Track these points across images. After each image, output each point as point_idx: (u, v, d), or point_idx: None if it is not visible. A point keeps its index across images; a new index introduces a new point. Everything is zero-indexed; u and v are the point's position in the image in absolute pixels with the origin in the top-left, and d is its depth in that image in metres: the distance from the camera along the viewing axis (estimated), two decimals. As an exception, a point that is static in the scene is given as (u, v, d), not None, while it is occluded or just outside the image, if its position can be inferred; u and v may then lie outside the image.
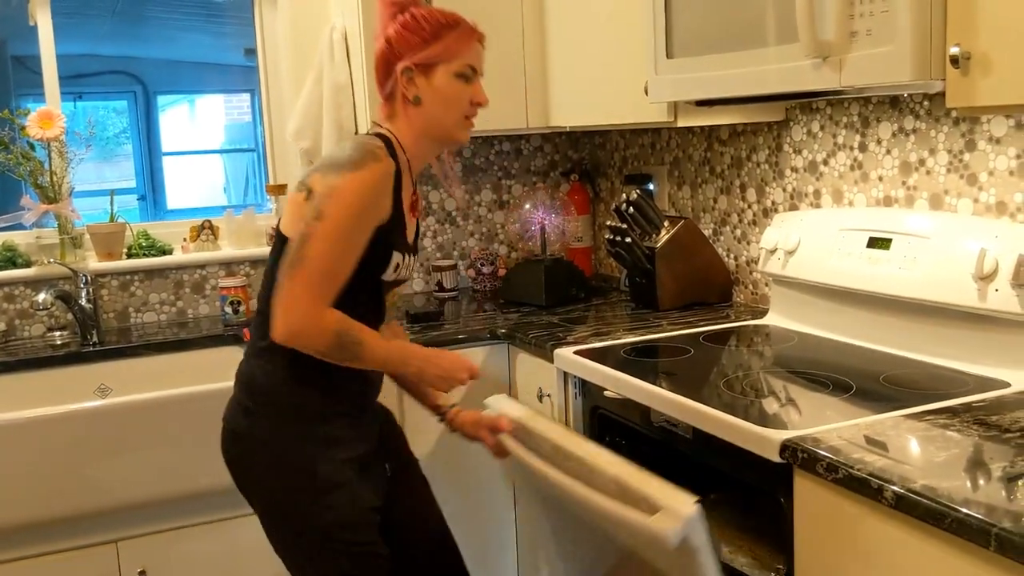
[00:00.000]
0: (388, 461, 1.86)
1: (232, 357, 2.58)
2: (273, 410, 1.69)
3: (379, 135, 1.70)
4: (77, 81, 7.28)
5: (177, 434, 2.19)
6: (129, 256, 2.78)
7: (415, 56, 1.65)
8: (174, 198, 8.39)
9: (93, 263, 2.72)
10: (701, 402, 1.68)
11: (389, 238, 1.65)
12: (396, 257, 1.67)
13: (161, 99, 8.51)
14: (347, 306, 1.61)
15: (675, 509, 1.42)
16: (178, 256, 2.82)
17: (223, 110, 8.81)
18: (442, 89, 1.67)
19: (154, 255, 2.78)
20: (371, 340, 1.62)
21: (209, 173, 8.75)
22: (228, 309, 2.70)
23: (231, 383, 2.24)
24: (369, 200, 1.58)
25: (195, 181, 8.54)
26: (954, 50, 1.45)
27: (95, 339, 2.57)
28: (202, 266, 2.83)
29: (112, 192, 2.83)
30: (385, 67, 1.68)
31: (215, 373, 2.52)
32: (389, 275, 1.68)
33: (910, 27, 1.49)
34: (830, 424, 1.52)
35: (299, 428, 1.68)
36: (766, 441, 1.49)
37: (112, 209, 2.78)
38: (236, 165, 8.93)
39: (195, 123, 8.99)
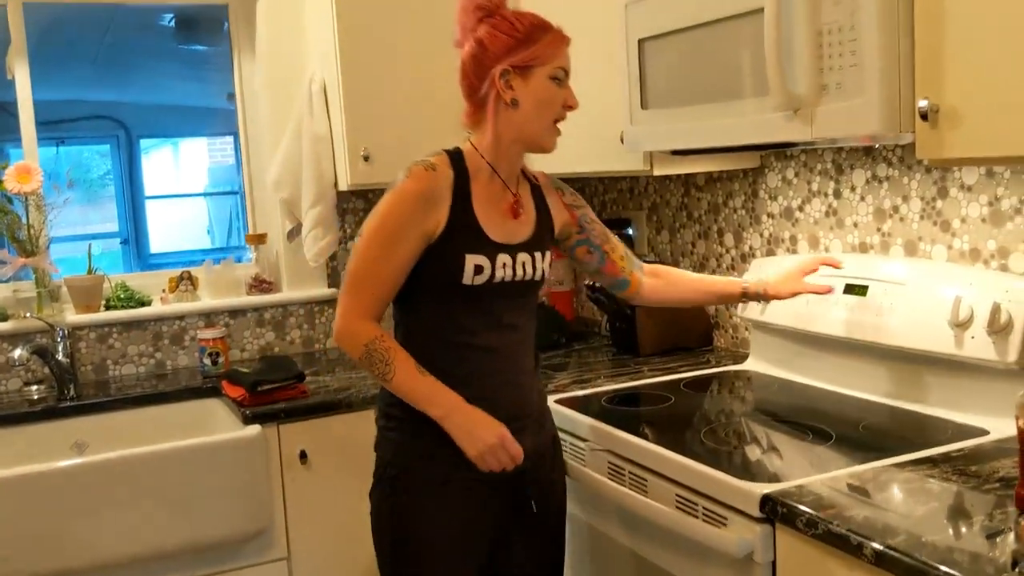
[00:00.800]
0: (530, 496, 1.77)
1: (211, 410, 2.57)
2: (383, 421, 1.74)
3: (450, 149, 1.71)
4: (59, 126, 7.28)
5: (155, 491, 2.16)
6: (107, 308, 2.76)
7: (512, 58, 1.63)
8: (158, 242, 8.36)
9: (71, 316, 2.70)
10: (681, 453, 1.67)
11: (454, 244, 1.64)
12: (474, 259, 1.64)
13: (144, 142, 8.51)
14: (434, 312, 1.67)
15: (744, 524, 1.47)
16: (157, 307, 2.80)
17: (207, 153, 8.82)
18: (538, 92, 1.65)
19: (132, 307, 2.77)
20: (403, 368, 1.62)
21: (193, 215, 8.73)
22: (207, 361, 2.68)
23: (210, 437, 2.24)
24: (403, 214, 1.62)
25: (179, 224, 8.51)
26: (923, 103, 1.46)
27: (72, 393, 2.54)
28: (181, 317, 2.82)
29: (90, 244, 2.82)
30: (478, 70, 1.65)
31: (194, 427, 2.50)
32: (472, 279, 1.64)
33: (878, 80, 1.51)
34: (810, 476, 1.51)
35: (395, 439, 1.70)
36: (746, 495, 1.49)
37: (90, 261, 2.77)
38: (220, 207, 8.92)
39: (179, 166, 8.99)
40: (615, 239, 1.94)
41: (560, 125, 1.72)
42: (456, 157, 1.69)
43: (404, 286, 1.66)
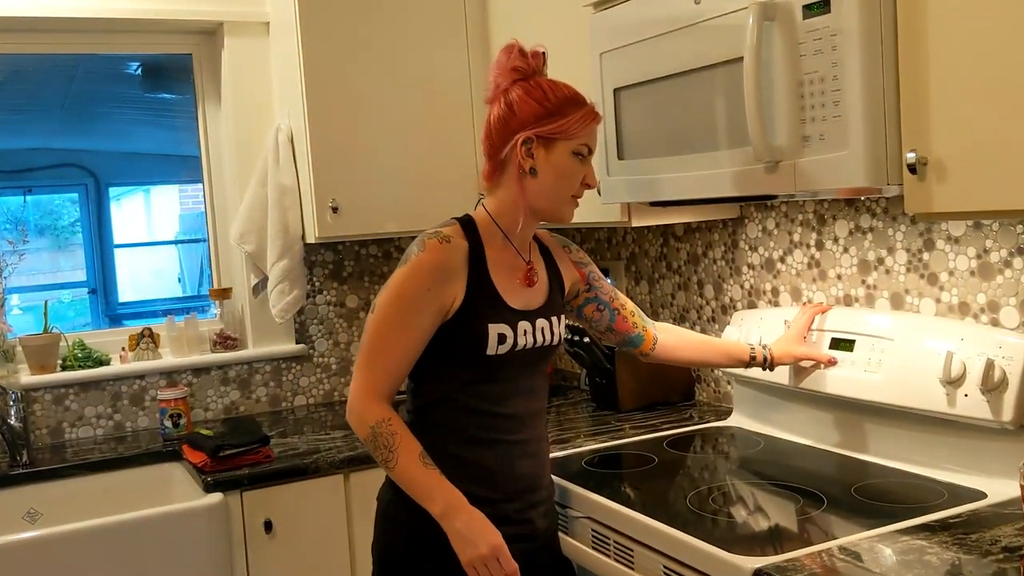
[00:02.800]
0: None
1: (171, 475, 2.45)
2: (391, 493, 1.67)
3: (461, 217, 1.66)
4: (26, 175, 7.16)
5: (111, 565, 2.05)
6: (64, 368, 2.65)
7: (538, 128, 1.59)
8: (128, 290, 8.21)
9: (25, 377, 2.58)
10: (668, 523, 1.59)
11: (476, 315, 1.59)
12: (497, 328, 1.60)
13: (115, 190, 8.39)
14: (453, 383, 1.61)
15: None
16: (116, 367, 2.68)
17: (178, 200, 8.71)
18: (559, 165, 1.61)
19: (90, 366, 2.65)
20: (407, 457, 1.55)
21: (164, 263, 8.60)
22: (168, 423, 2.56)
23: (168, 507, 2.12)
24: (418, 288, 1.57)
25: (150, 272, 8.38)
26: (911, 156, 1.41)
27: (25, 459, 2.42)
28: (141, 376, 2.70)
29: (46, 302, 2.70)
30: (502, 132, 1.61)
31: (152, 494, 2.38)
32: (496, 349, 1.60)
33: (863, 132, 1.46)
34: (803, 549, 1.43)
35: (393, 505, 1.65)
36: (737, 569, 1.40)
37: (46, 319, 2.65)
38: (191, 254, 8.79)
39: (150, 213, 8.87)
40: (623, 296, 1.89)
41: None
42: (468, 225, 1.65)
43: (422, 358, 1.61)
